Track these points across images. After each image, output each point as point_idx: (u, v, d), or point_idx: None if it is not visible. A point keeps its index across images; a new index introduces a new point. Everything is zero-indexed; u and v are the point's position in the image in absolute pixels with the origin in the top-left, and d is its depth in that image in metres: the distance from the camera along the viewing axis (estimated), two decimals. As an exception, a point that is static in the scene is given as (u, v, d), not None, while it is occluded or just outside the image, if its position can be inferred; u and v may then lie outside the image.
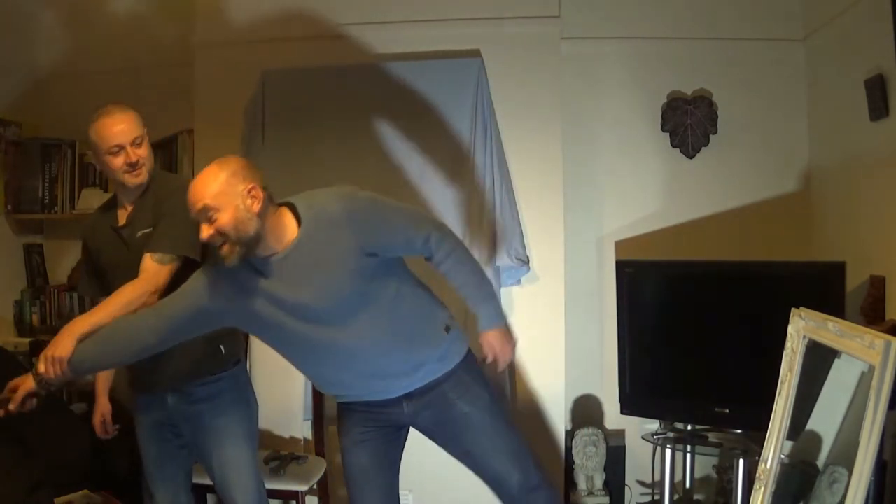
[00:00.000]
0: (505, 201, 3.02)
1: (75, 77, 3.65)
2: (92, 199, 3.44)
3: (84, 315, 2.06)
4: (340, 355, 1.98)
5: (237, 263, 1.87)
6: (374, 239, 1.92)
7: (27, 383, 2.00)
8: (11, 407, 2.00)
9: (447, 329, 2.08)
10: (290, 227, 1.91)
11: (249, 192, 1.84)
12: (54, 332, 3.57)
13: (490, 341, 2.06)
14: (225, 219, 1.82)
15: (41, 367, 1.98)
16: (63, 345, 1.97)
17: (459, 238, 2.11)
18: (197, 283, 1.98)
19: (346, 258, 1.89)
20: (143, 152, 2.15)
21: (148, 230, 2.11)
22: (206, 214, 1.83)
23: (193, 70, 3.27)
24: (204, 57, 3.25)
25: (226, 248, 1.84)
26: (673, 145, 3.33)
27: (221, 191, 1.83)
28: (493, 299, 2.10)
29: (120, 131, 2.10)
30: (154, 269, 2.05)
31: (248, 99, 3.18)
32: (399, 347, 2.00)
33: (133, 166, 2.12)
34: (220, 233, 1.83)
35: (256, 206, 1.84)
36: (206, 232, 1.84)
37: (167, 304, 2.00)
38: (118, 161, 2.11)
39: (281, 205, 1.95)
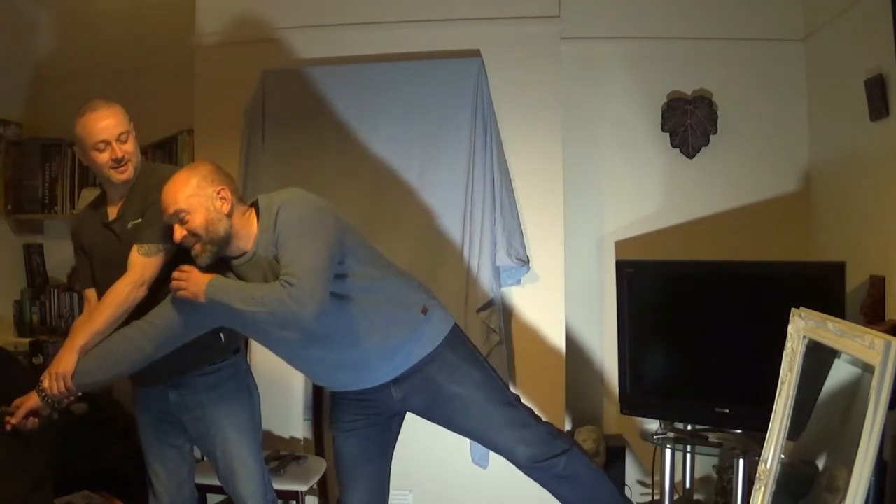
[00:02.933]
0: (505, 201, 3.02)
1: (76, 77, 3.64)
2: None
3: (82, 325, 2.07)
4: (313, 350, 2.01)
5: (209, 262, 1.93)
6: (277, 244, 1.89)
7: (30, 401, 2.02)
8: (14, 421, 2.03)
9: (424, 311, 2.09)
10: (254, 227, 1.96)
11: (219, 193, 1.93)
12: (54, 331, 3.61)
13: (191, 270, 1.91)
14: (197, 220, 1.90)
15: (45, 384, 2.00)
16: (65, 361, 2.00)
17: (302, 307, 1.79)
18: None
19: None
20: (129, 148, 2.14)
21: (138, 220, 2.12)
22: (179, 217, 1.90)
23: (193, 70, 3.27)
24: (204, 57, 3.26)
25: (198, 247, 1.91)
26: (673, 145, 3.33)
27: (193, 193, 1.91)
28: (233, 288, 1.89)
29: (105, 127, 2.10)
30: (141, 262, 2.06)
31: (248, 99, 3.18)
32: (370, 337, 2.01)
33: (118, 162, 2.11)
34: (193, 234, 1.91)
35: (226, 207, 1.92)
36: (178, 233, 1.91)
37: (158, 312, 2.03)
38: (104, 157, 2.11)
39: (251, 205, 2.00)
